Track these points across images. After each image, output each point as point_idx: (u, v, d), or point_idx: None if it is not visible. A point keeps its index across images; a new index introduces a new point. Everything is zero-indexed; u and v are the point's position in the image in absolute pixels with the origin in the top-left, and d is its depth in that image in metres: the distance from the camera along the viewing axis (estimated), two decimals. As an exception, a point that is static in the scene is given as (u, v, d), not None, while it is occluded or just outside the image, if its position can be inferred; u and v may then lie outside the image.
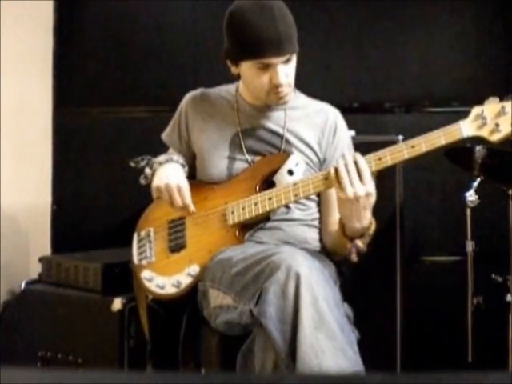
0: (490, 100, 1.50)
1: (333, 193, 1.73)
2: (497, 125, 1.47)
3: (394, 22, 2.64)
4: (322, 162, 1.77)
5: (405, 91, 2.62)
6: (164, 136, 1.93)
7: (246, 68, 1.68)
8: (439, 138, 1.50)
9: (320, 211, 1.81)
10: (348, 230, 1.60)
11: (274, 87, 1.66)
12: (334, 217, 1.76)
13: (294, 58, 1.67)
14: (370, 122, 2.54)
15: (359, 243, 1.61)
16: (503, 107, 1.47)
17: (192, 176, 1.84)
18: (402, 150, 1.52)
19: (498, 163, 2.03)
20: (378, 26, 2.64)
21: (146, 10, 2.73)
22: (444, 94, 2.58)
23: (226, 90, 1.85)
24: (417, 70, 2.62)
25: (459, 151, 2.04)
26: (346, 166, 1.51)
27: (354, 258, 1.62)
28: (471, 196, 2.11)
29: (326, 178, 1.59)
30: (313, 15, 2.66)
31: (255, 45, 1.61)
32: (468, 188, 2.12)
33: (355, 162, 1.51)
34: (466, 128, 1.49)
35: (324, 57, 2.65)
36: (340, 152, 1.77)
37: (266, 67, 1.64)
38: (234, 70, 1.73)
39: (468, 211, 2.15)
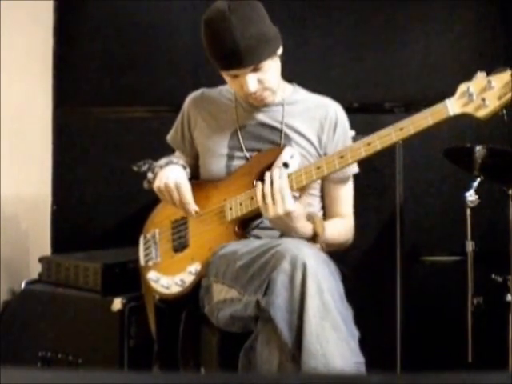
0: (477, 75, 1.47)
1: (331, 187, 1.78)
2: (483, 100, 1.43)
3: (393, 21, 2.63)
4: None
5: (405, 91, 2.62)
6: (168, 138, 1.95)
7: (222, 74, 1.70)
8: (426, 118, 1.49)
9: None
10: None
11: (249, 93, 1.67)
12: (333, 210, 1.81)
13: (269, 64, 1.64)
14: (370, 121, 2.53)
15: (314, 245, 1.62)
16: (489, 81, 1.44)
17: (197, 176, 1.85)
18: (391, 134, 1.51)
19: (497, 163, 2.02)
20: (377, 25, 2.64)
21: (146, 10, 2.73)
22: (444, 94, 2.57)
23: (226, 89, 1.86)
24: (416, 70, 2.62)
25: (459, 151, 2.04)
26: (270, 182, 1.54)
27: None
28: (471, 196, 2.10)
29: (318, 167, 1.60)
30: (312, 15, 2.66)
31: (216, 58, 1.63)
32: (468, 188, 2.12)
33: (271, 183, 1.54)
34: (453, 106, 1.48)
35: (324, 57, 2.65)
36: (342, 147, 1.75)
37: (236, 76, 1.65)
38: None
39: (468, 211, 2.15)
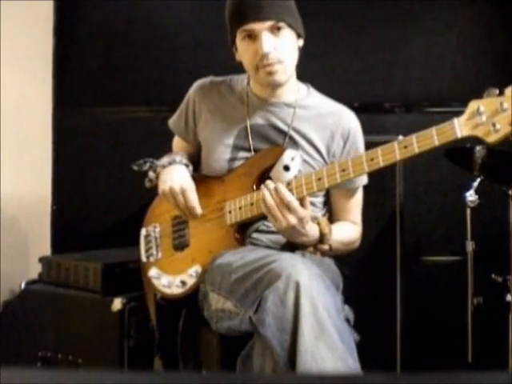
0: (488, 91, 1.37)
1: (340, 197, 1.77)
2: (493, 124, 1.34)
3: (394, 21, 2.63)
4: None
5: (405, 91, 2.62)
6: (170, 123, 1.91)
7: (239, 44, 1.66)
8: (432, 137, 1.40)
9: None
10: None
11: (261, 60, 1.62)
12: (340, 219, 1.79)
13: (288, 34, 1.63)
14: (370, 121, 2.52)
15: (322, 247, 1.63)
16: (501, 103, 1.34)
17: (198, 163, 1.83)
18: (395, 151, 1.45)
19: (498, 163, 2.02)
20: (378, 25, 2.63)
21: (146, 10, 2.73)
22: (444, 94, 2.57)
23: (237, 80, 1.81)
24: (417, 70, 2.62)
25: (459, 151, 2.04)
26: (271, 196, 1.51)
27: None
28: (471, 196, 2.11)
29: (319, 178, 1.55)
30: (313, 15, 2.65)
31: (237, 11, 1.62)
32: (468, 188, 2.12)
33: (279, 195, 1.50)
34: (461, 127, 1.38)
35: (324, 57, 2.65)
36: None
37: (252, 37, 1.62)
38: (237, 56, 1.71)
39: (468, 211, 2.15)
